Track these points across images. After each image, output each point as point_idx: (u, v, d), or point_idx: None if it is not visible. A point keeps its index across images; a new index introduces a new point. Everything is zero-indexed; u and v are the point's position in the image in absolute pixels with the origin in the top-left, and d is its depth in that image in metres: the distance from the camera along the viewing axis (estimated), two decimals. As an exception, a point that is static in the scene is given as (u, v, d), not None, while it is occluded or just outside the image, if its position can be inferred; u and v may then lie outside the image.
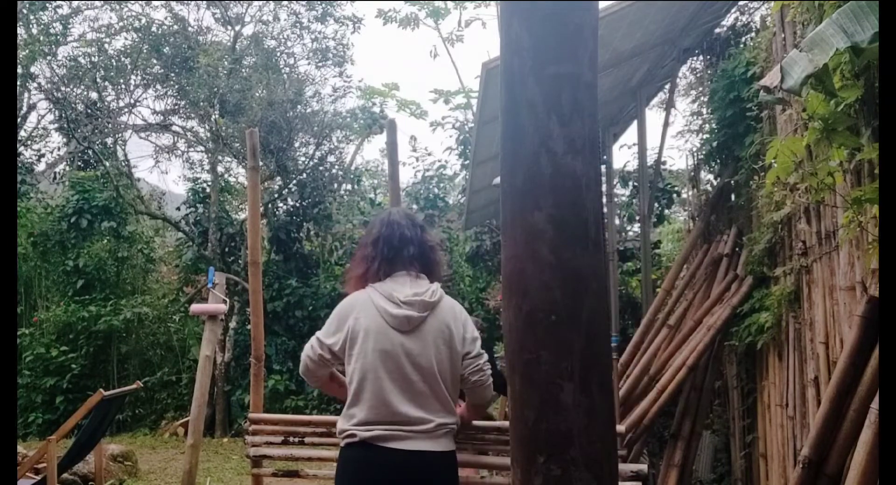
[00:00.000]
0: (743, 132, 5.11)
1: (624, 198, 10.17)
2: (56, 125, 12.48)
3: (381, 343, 2.36)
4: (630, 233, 11.00)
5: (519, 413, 1.37)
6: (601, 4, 3.92)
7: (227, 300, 4.67)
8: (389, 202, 4.34)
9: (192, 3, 11.79)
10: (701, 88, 6.97)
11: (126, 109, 12.26)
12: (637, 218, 9.63)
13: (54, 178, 13.41)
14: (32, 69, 12.13)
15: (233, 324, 10.53)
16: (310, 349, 2.48)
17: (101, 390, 5.65)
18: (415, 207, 11.75)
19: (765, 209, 4.63)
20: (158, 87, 11.71)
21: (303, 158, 11.65)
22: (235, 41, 11.82)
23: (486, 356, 2.48)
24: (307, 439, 3.22)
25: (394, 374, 2.34)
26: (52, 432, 6.27)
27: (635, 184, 9.33)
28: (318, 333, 2.51)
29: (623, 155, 10.35)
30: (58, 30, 11.97)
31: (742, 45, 5.71)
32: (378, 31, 50.83)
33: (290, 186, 11.55)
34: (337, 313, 2.51)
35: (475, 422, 2.76)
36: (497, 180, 6.66)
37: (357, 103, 13.35)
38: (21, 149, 12.81)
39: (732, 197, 5.73)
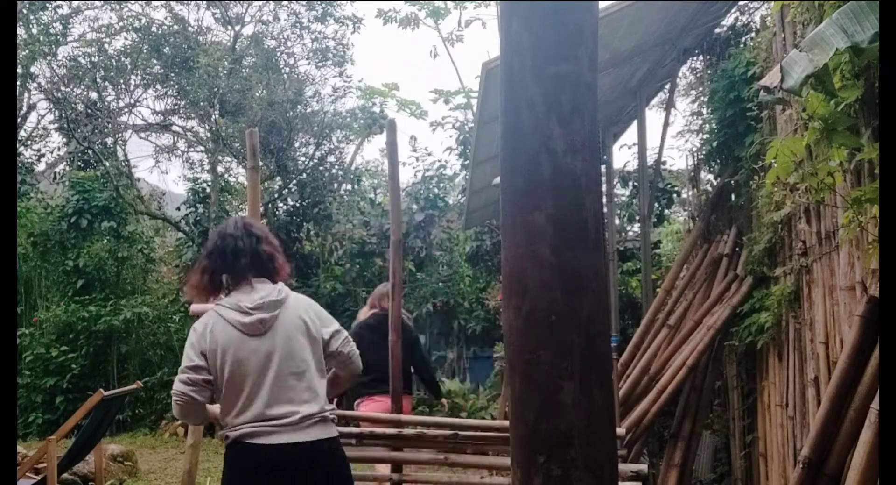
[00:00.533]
0: (743, 132, 5.11)
1: (624, 198, 10.17)
2: (56, 125, 12.48)
3: (238, 353, 2.44)
4: (630, 233, 11.01)
5: (519, 413, 1.37)
6: (601, 4, 3.92)
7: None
8: (389, 202, 4.33)
9: (192, 3, 11.80)
10: (701, 88, 6.96)
11: (126, 109, 12.27)
12: (637, 218, 9.63)
13: (54, 178, 13.41)
14: (32, 69, 12.14)
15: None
16: (178, 384, 2.48)
17: (101, 390, 5.64)
18: (415, 207, 11.75)
19: (765, 209, 4.62)
20: (158, 87, 11.72)
21: (303, 158, 11.65)
22: (235, 41, 11.83)
23: (345, 331, 2.66)
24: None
25: (256, 377, 2.43)
26: (52, 432, 6.27)
27: (635, 184, 9.33)
28: (180, 369, 2.54)
29: (623, 155, 10.35)
30: (58, 30, 11.97)
31: (742, 45, 5.71)
32: (378, 31, 50.78)
33: (290, 186, 11.56)
34: (190, 343, 2.53)
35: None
36: (497, 180, 6.66)
37: (357, 103, 13.37)
38: (21, 149, 12.81)
39: (732, 197, 5.73)
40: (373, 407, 4.76)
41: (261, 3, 11.89)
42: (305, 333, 2.52)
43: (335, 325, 2.64)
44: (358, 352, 2.65)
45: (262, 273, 2.59)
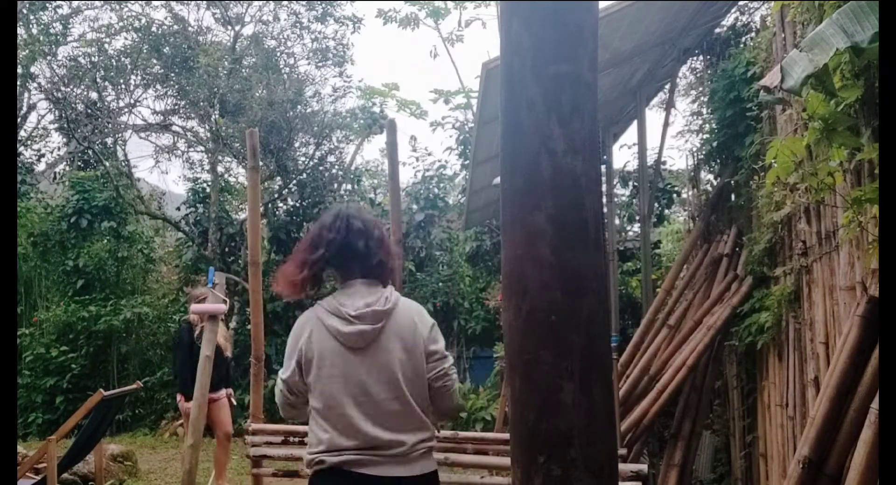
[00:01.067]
0: (743, 132, 5.11)
1: (624, 198, 10.17)
2: (56, 125, 12.48)
3: (337, 366, 2.15)
4: (630, 233, 11.01)
5: (519, 413, 1.37)
6: (601, 4, 3.92)
7: (227, 300, 4.66)
8: (389, 202, 4.33)
9: (192, 3, 11.80)
10: (701, 88, 6.97)
11: (126, 109, 12.27)
12: (637, 218, 9.63)
13: (54, 178, 13.41)
14: (32, 69, 12.13)
15: (233, 324, 10.53)
16: (278, 394, 2.29)
17: (101, 390, 5.65)
18: (415, 207, 11.75)
19: (765, 209, 4.62)
20: (158, 87, 11.72)
21: (303, 158, 11.65)
22: (235, 41, 11.82)
23: (451, 360, 2.27)
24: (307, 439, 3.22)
25: (358, 397, 2.13)
26: (52, 432, 6.27)
27: (635, 184, 9.33)
28: (279, 373, 2.32)
29: (623, 155, 10.37)
30: (58, 30, 11.97)
31: (742, 45, 5.71)
32: (378, 31, 50.82)
33: (290, 186, 11.56)
34: (289, 343, 2.29)
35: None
36: (497, 180, 6.66)
37: (357, 103, 13.36)
38: (21, 149, 12.81)
39: (732, 197, 5.73)
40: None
41: (261, 3, 11.89)
42: (409, 350, 2.18)
43: (439, 349, 2.23)
44: (454, 387, 2.25)
45: (373, 274, 2.25)
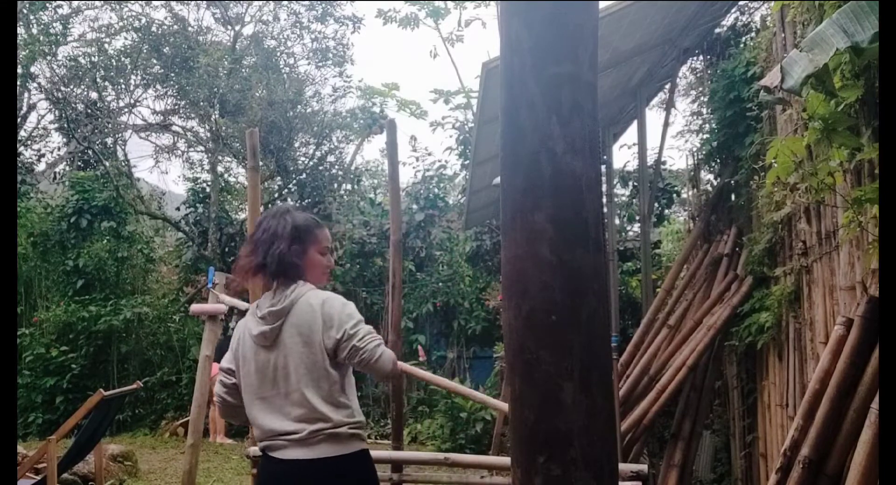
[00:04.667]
0: (743, 132, 5.11)
1: (624, 198, 10.18)
2: (56, 125, 12.50)
3: (249, 363, 2.35)
4: (630, 233, 11.01)
5: (519, 413, 1.37)
6: (601, 4, 3.92)
7: (227, 300, 4.66)
8: (389, 202, 4.34)
9: (192, 3, 11.80)
10: (701, 88, 6.97)
11: (126, 109, 12.29)
12: (637, 218, 9.63)
13: (54, 178, 13.42)
14: (32, 69, 12.14)
15: (233, 324, 10.52)
16: (217, 385, 2.47)
17: (101, 390, 5.65)
18: (415, 207, 11.76)
19: (765, 209, 4.63)
20: (158, 87, 11.73)
21: (303, 158, 11.66)
22: (235, 41, 11.83)
23: (360, 334, 2.30)
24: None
25: (265, 391, 2.33)
26: (52, 432, 6.27)
27: (635, 184, 9.33)
28: (219, 366, 2.52)
29: (623, 155, 10.36)
30: (58, 30, 11.97)
31: (742, 45, 5.71)
32: (378, 31, 50.84)
33: (290, 186, 11.56)
34: (231, 341, 2.49)
35: None
36: (497, 180, 6.67)
37: (357, 103, 13.38)
38: (21, 149, 12.82)
39: (732, 197, 5.73)
40: None
41: (261, 3, 11.89)
42: (307, 343, 2.30)
43: (345, 327, 2.30)
44: (375, 356, 2.31)
45: (287, 273, 2.37)
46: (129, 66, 11.47)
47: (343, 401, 2.34)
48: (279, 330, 2.31)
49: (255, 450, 3.63)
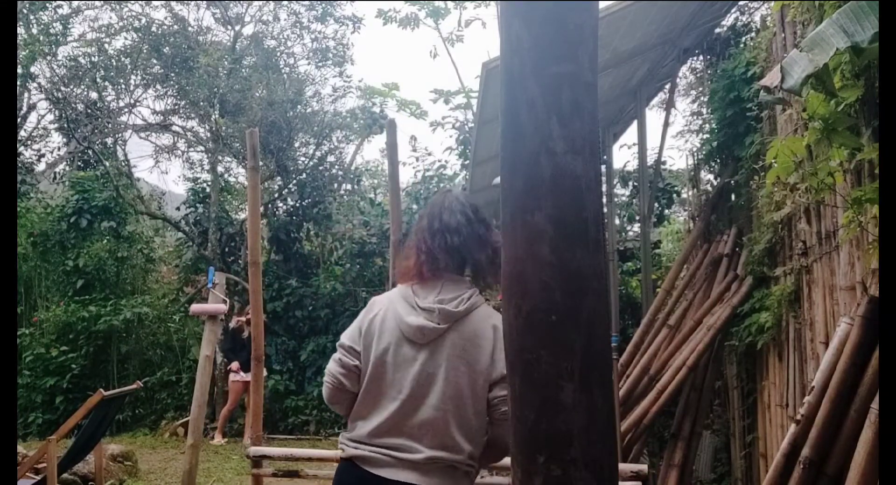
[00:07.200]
0: (743, 132, 5.12)
1: (624, 198, 10.18)
2: (56, 125, 12.49)
3: (390, 353, 2.01)
4: (630, 233, 11.01)
5: (519, 413, 1.37)
6: (601, 4, 3.92)
7: (227, 300, 4.67)
8: (389, 202, 4.33)
9: (192, 3, 11.79)
10: (701, 88, 6.97)
11: (126, 109, 12.27)
12: (637, 218, 9.63)
13: (54, 178, 13.41)
14: (32, 69, 12.13)
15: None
16: (331, 363, 2.11)
17: (101, 390, 5.65)
18: (415, 207, 11.75)
19: (765, 209, 4.63)
20: (158, 87, 11.71)
21: (303, 158, 11.66)
22: (235, 41, 11.82)
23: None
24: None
25: (398, 391, 1.99)
26: (52, 432, 6.27)
27: (635, 184, 9.33)
28: (338, 344, 2.16)
29: (623, 155, 10.36)
30: (58, 30, 11.96)
31: (742, 45, 5.71)
32: (378, 31, 50.86)
33: (290, 186, 11.56)
34: (358, 318, 2.15)
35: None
36: (497, 180, 6.67)
37: (357, 103, 13.36)
38: (21, 149, 12.81)
39: (732, 197, 5.73)
40: None
41: (261, 3, 11.89)
42: (470, 364, 1.98)
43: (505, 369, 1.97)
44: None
45: (473, 269, 2.10)
46: (129, 66, 11.46)
47: (479, 439, 2.04)
48: (443, 332, 1.99)
49: (255, 450, 3.63)
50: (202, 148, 12.14)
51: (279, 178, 11.53)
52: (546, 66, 1.36)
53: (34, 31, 11.82)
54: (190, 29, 11.66)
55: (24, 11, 11.54)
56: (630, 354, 5.99)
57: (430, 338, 1.99)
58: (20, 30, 11.56)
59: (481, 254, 2.08)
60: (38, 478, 5.38)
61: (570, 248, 1.33)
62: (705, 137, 6.16)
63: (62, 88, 11.17)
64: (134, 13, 11.97)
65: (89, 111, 11.21)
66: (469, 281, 2.11)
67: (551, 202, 1.33)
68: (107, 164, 11.55)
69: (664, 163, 8.39)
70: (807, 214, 3.95)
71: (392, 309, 2.06)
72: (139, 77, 11.70)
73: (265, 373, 7.06)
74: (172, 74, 11.11)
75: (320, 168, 11.61)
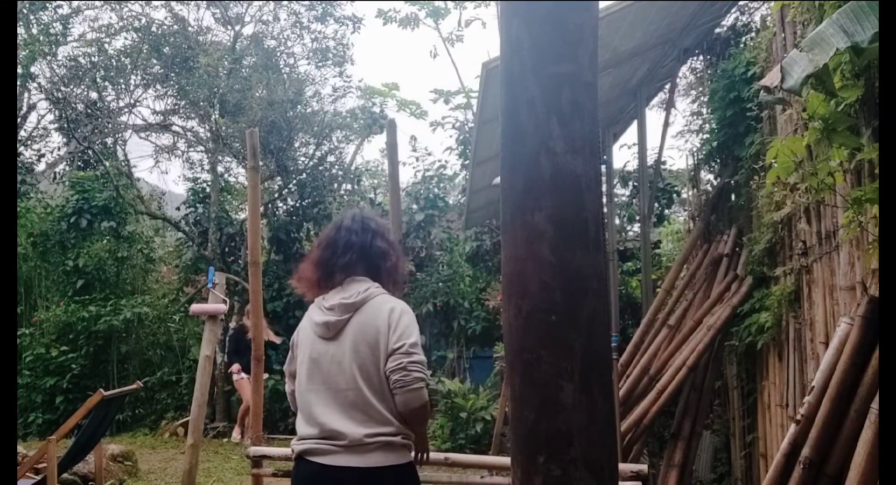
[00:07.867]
0: (743, 132, 5.11)
1: (624, 198, 10.18)
2: (56, 125, 12.48)
3: (308, 354, 2.32)
4: (630, 233, 11.01)
5: (519, 413, 1.37)
6: (601, 4, 3.92)
7: (227, 300, 4.67)
8: (389, 202, 4.34)
9: (192, 3, 11.79)
10: (701, 88, 6.97)
11: (126, 109, 12.27)
12: (637, 218, 9.63)
13: (54, 178, 13.41)
14: (32, 69, 12.13)
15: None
16: (288, 385, 2.50)
17: (101, 390, 5.65)
18: (415, 207, 11.75)
19: (765, 209, 4.63)
20: (158, 87, 11.70)
21: (303, 158, 11.65)
22: (235, 41, 11.82)
23: (416, 356, 2.20)
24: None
25: (320, 385, 2.26)
26: (52, 432, 6.27)
27: (635, 184, 9.33)
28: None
29: (623, 155, 10.36)
30: (58, 30, 11.96)
31: (742, 45, 5.71)
32: (378, 31, 50.86)
33: (290, 186, 11.55)
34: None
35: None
36: (497, 180, 6.66)
37: (357, 103, 13.35)
38: (21, 149, 12.81)
39: (732, 197, 5.73)
40: None
41: (261, 3, 11.88)
42: (371, 345, 2.23)
43: (404, 343, 2.20)
44: (414, 384, 2.18)
45: (369, 269, 2.39)
46: (129, 66, 11.45)
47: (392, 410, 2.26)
48: (345, 324, 2.27)
49: (255, 450, 3.63)
50: (202, 148, 12.13)
51: (279, 178, 11.53)
52: (546, 66, 1.36)
53: (34, 31, 11.82)
54: (190, 29, 11.66)
55: (24, 11, 11.54)
56: (630, 354, 5.99)
57: (335, 330, 2.28)
58: (20, 30, 11.56)
59: (373, 260, 2.41)
60: (38, 478, 5.38)
61: (569, 248, 1.33)
62: (705, 137, 6.16)
63: (62, 88, 11.16)
64: (134, 13, 11.97)
65: (89, 111, 11.21)
66: (368, 279, 2.40)
67: (551, 202, 1.33)
68: (107, 164, 11.55)
69: (664, 163, 8.39)
70: (807, 214, 3.95)
71: (307, 318, 2.39)
72: (139, 77, 11.69)
73: (265, 373, 7.07)
74: (172, 74, 11.11)
75: (320, 168, 11.60)
